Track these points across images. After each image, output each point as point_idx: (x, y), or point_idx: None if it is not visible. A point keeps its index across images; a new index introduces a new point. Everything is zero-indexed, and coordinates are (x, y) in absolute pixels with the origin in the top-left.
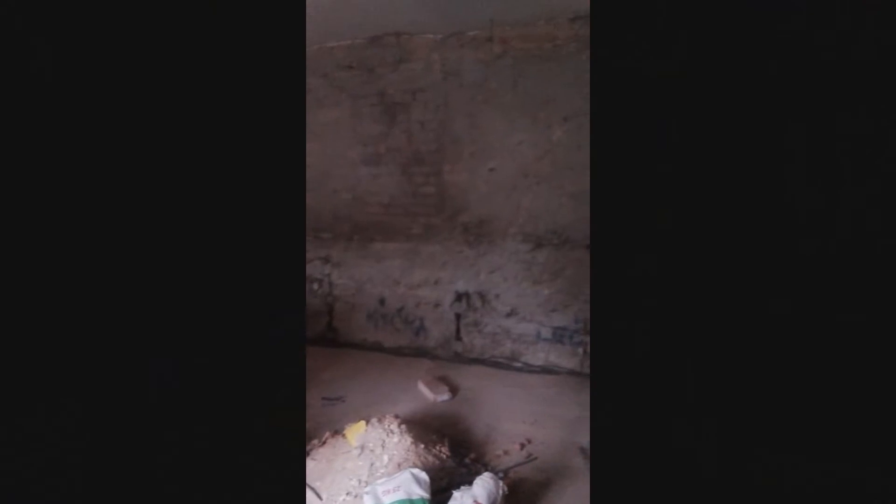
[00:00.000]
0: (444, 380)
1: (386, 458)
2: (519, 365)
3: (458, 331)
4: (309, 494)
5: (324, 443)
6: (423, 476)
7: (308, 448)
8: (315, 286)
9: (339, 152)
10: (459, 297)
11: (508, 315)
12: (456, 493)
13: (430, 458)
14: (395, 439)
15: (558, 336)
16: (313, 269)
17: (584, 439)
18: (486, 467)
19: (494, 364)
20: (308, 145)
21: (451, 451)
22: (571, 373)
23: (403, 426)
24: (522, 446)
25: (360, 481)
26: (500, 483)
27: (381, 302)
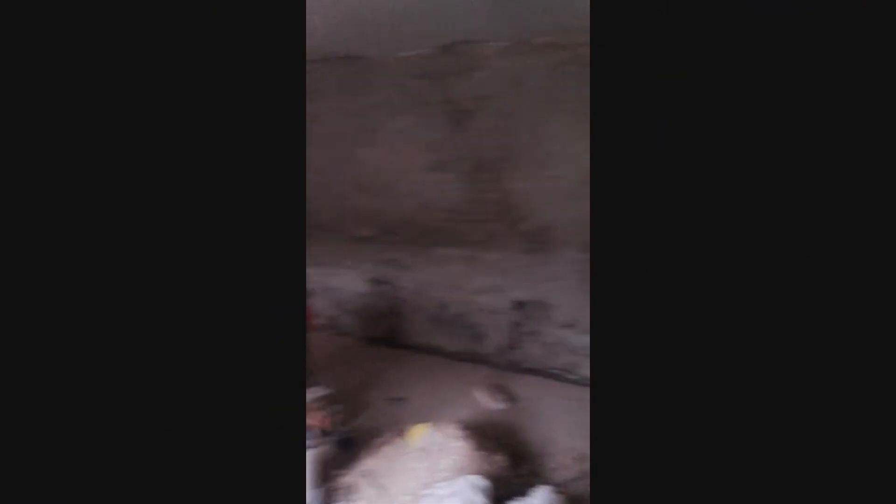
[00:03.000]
0: (500, 388)
1: (445, 463)
2: (575, 378)
3: (515, 339)
4: (377, 492)
5: (387, 443)
6: (483, 484)
7: (375, 445)
8: (380, 288)
9: (405, 159)
10: (517, 305)
11: (566, 326)
12: None
13: (487, 467)
14: (455, 445)
15: None
16: (378, 271)
17: None
18: (541, 480)
19: (550, 375)
20: (377, 152)
21: (506, 461)
22: None
23: (463, 432)
24: (578, 461)
25: (420, 483)
26: (559, 498)
27: (442, 306)
